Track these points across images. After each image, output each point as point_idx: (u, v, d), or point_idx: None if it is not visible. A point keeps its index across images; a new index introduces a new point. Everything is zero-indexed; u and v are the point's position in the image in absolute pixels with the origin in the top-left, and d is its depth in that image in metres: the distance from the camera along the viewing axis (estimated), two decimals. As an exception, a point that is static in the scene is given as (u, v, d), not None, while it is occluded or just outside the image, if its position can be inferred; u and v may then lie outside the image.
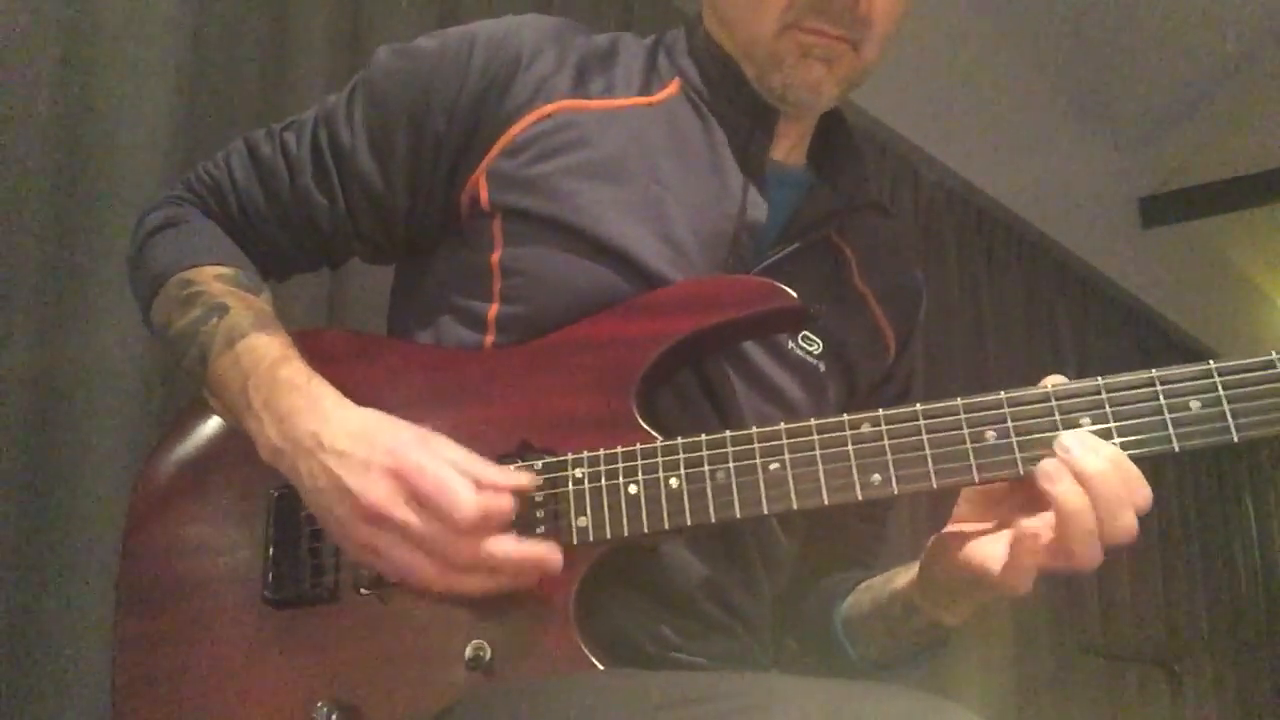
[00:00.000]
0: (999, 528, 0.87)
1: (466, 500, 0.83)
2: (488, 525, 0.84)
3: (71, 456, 1.49)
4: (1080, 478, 0.82)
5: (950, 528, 0.91)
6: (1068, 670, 3.71)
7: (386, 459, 0.85)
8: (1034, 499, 0.84)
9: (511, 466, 0.92)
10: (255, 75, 1.83)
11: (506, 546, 0.85)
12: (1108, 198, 4.48)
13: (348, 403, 0.91)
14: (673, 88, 1.07)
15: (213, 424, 1.03)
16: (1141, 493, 0.82)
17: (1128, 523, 0.82)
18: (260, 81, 1.83)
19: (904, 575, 0.99)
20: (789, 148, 1.10)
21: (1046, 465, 0.83)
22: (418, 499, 0.84)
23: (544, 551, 0.86)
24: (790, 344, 1.04)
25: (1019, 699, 3.46)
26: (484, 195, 1.02)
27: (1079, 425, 0.85)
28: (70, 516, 1.47)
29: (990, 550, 0.86)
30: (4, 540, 1.43)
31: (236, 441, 0.97)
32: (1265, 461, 5.68)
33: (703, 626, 0.99)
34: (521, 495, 0.88)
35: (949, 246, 3.54)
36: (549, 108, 1.02)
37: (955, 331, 3.44)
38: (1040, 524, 0.83)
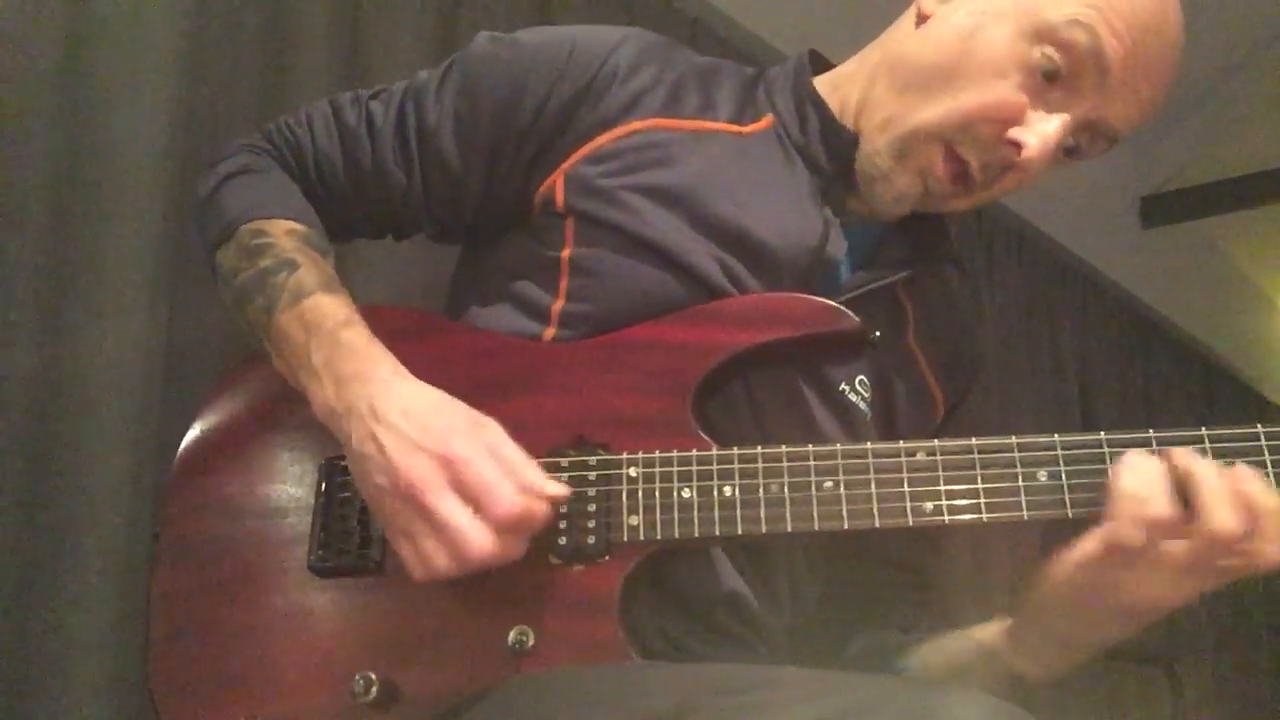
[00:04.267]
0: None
1: (508, 498, 0.83)
2: (520, 527, 0.85)
3: (72, 456, 1.48)
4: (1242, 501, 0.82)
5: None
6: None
7: (437, 444, 0.85)
8: None
9: (566, 460, 0.93)
10: (255, 75, 1.83)
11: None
12: (1108, 197, 4.48)
13: (406, 373, 0.92)
14: (765, 122, 1.07)
15: (266, 385, 1.04)
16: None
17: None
18: (260, 81, 1.83)
19: (988, 628, 0.99)
20: (870, 205, 1.09)
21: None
22: (460, 488, 0.84)
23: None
24: (843, 385, 1.03)
25: (1018, 699, 3.46)
26: (560, 196, 1.02)
27: None
28: (70, 516, 1.47)
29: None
30: (4, 539, 1.42)
31: (289, 405, 0.98)
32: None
33: (720, 636, 0.99)
34: (555, 503, 0.88)
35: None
36: (638, 124, 1.03)
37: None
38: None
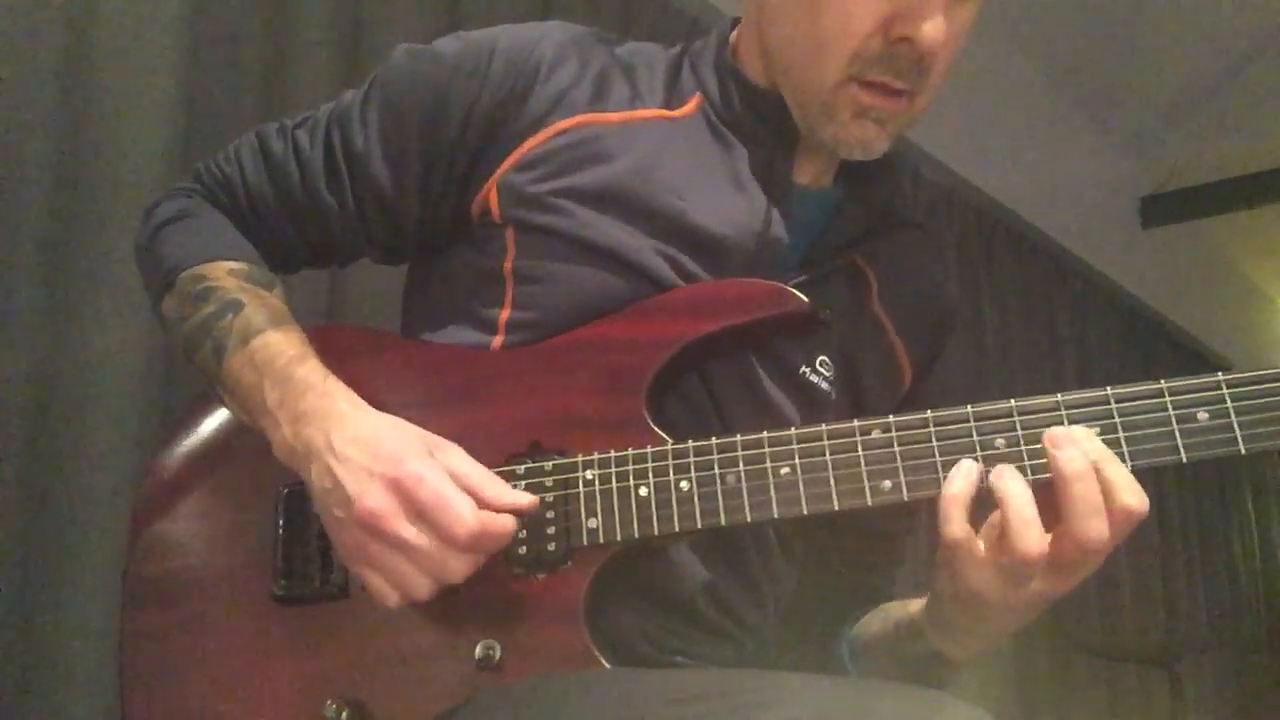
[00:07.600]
0: None
1: (464, 516, 0.82)
2: (482, 544, 0.84)
3: (72, 455, 1.49)
4: (1057, 476, 0.81)
5: None
6: (1067, 670, 3.71)
7: (388, 468, 0.84)
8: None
9: (521, 467, 0.92)
10: (255, 75, 1.83)
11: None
12: (1108, 197, 4.49)
13: (362, 404, 0.90)
14: (693, 103, 1.05)
15: (221, 419, 1.03)
16: (1122, 504, 0.81)
17: (1095, 531, 0.81)
18: (260, 81, 1.83)
19: (919, 602, 0.98)
20: (816, 172, 1.07)
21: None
22: (416, 511, 0.83)
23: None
24: (803, 368, 1.01)
25: (1018, 699, 3.46)
26: (495, 207, 1.00)
27: None
28: (70, 515, 1.47)
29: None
30: (5, 539, 1.43)
31: (245, 437, 0.97)
32: (1266, 462, 5.68)
33: (703, 631, 0.99)
34: (522, 514, 0.87)
35: (949, 246, 3.54)
36: (565, 123, 1.01)
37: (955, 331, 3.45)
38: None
